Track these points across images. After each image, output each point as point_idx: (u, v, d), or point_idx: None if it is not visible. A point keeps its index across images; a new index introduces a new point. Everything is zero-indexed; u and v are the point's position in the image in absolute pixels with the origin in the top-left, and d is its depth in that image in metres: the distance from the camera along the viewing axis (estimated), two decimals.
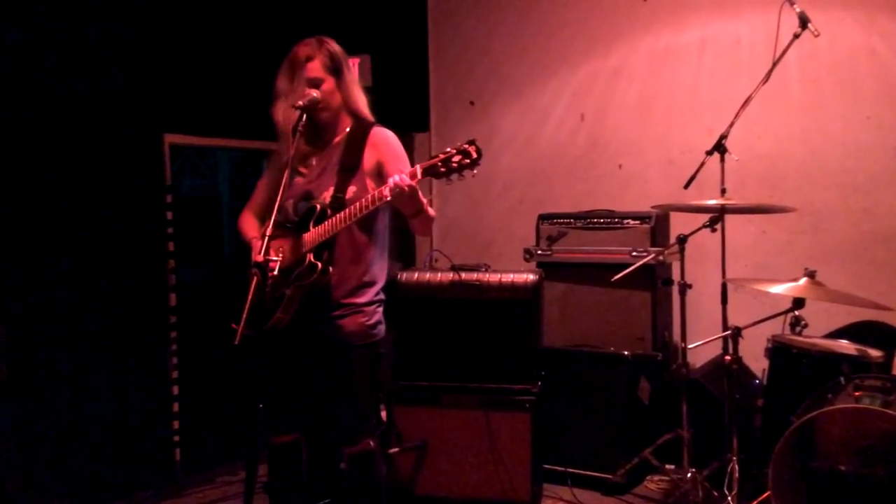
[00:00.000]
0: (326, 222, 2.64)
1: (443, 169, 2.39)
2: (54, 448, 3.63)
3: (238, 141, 4.39)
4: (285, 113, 2.71)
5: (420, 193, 2.51)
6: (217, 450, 4.25)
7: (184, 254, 4.23)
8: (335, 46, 2.78)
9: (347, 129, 2.81)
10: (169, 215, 4.11)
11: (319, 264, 2.64)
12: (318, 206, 2.69)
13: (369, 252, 2.78)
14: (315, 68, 2.72)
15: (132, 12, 3.91)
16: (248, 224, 2.93)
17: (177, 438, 4.11)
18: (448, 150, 2.40)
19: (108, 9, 3.82)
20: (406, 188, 2.45)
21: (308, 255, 2.65)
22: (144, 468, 3.94)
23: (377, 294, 2.82)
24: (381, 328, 2.83)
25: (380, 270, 2.84)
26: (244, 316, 2.46)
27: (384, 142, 2.78)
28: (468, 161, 2.37)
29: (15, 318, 3.52)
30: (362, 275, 2.77)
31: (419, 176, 2.43)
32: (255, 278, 2.54)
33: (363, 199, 2.56)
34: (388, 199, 2.49)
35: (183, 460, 4.12)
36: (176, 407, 4.12)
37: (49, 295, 3.67)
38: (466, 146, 2.38)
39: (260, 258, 2.54)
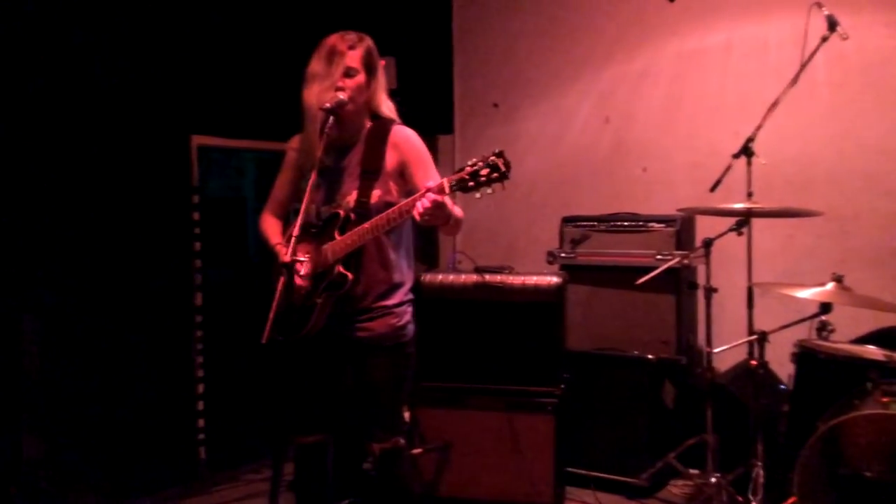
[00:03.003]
0: (353, 231, 2.63)
1: (471, 183, 2.35)
2: (81, 445, 3.68)
3: (264, 143, 4.42)
4: (320, 96, 2.67)
5: (449, 202, 2.46)
6: (242, 448, 4.28)
7: (210, 254, 4.27)
8: (374, 46, 2.78)
9: (367, 129, 2.80)
10: (195, 216, 4.15)
11: (350, 275, 2.65)
12: (343, 213, 2.68)
13: (396, 255, 2.78)
14: (355, 58, 2.71)
15: (161, 15, 3.95)
16: (270, 227, 2.92)
17: (202, 437, 4.14)
18: (475, 161, 2.36)
19: (138, 11, 3.87)
20: (431, 205, 2.40)
21: (337, 265, 2.66)
22: (170, 466, 3.98)
23: (406, 294, 2.83)
24: (411, 328, 2.84)
25: (407, 271, 2.84)
26: (271, 315, 2.48)
27: (405, 141, 2.77)
28: (496, 175, 2.33)
29: (44, 317, 3.57)
30: (390, 278, 2.77)
31: (447, 190, 2.39)
32: (283, 278, 2.56)
33: (391, 211, 2.54)
34: (417, 216, 2.46)
35: (208, 458, 4.16)
36: (201, 405, 4.16)
37: (77, 294, 3.72)
38: (494, 158, 2.34)
39: (287, 259, 2.56)
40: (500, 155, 2.34)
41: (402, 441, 2.84)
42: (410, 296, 2.86)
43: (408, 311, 2.83)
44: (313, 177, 2.64)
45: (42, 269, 3.60)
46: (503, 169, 2.33)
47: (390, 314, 2.76)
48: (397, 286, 2.79)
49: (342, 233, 2.66)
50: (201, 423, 4.15)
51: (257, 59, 4.30)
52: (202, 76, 4.12)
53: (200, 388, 4.16)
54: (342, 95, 2.67)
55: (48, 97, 3.62)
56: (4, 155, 3.50)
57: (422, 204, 2.40)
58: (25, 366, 3.43)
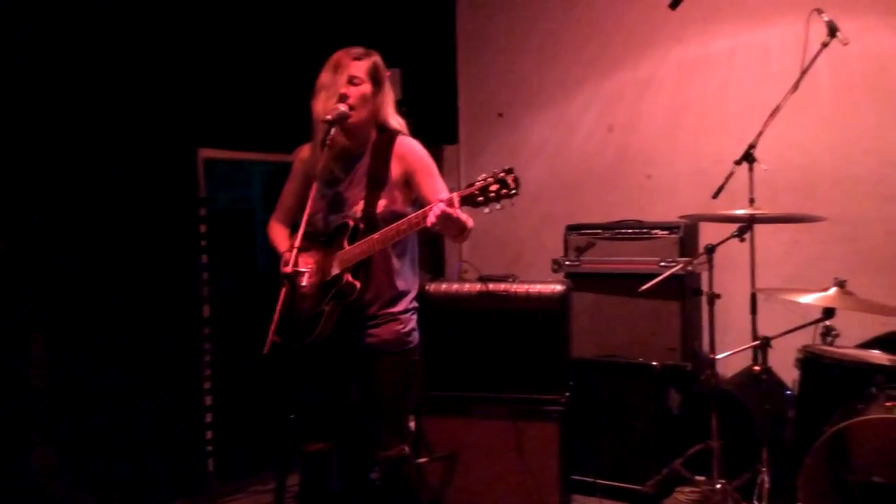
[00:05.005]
0: (362, 241, 2.66)
1: (480, 198, 2.38)
2: (89, 456, 3.70)
3: (271, 155, 4.45)
4: (325, 105, 2.73)
5: (461, 215, 2.47)
6: (250, 459, 4.29)
7: (217, 266, 4.29)
8: (381, 61, 2.84)
9: (372, 140, 2.85)
10: (203, 228, 4.18)
11: (358, 284, 2.68)
12: (351, 223, 2.72)
13: (401, 264, 2.83)
14: (359, 68, 2.77)
15: (167, 28, 3.99)
16: (279, 234, 2.98)
17: (210, 448, 4.16)
18: (485, 177, 2.38)
19: (144, 24, 3.91)
20: (441, 214, 2.42)
21: (345, 274, 2.69)
22: (178, 478, 3.99)
23: (411, 302, 2.87)
24: (416, 335, 2.88)
25: (412, 279, 2.89)
26: (272, 326, 2.52)
27: (410, 151, 2.81)
28: (506, 191, 2.36)
29: (52, 328, 3.61)
30: (396, 286, 2.81)
31: (457, 204, 2.42)
32: (285, 289, 2.59)
33: (400, 223, 2.58)
34: (429, 227, 2.48)
35: (216, 469, 4.17)
36: (209, 417, 4.18)
37: (84, 305, 3.75)
38: (504, 175, 2.36)
39: (289, 269, 2.59)
40: (509, 171, 2.36)
41: (406, 449, 2.86)
42: (415, 304, 2.89)
43: (412, 318, 2.87)
44: (314, 188, 2.67)
45: (49, 283, 3.63)
46: (513, 186, 2.36)
47: (395, 321, 2.80)
48: (403, 294, 2.84)
49: (351, 242, 2.69)
50: (209, 434, 4.16)
51: (263, 72, 4.34)
52: (208, 89, 4.15)
53: (208, 399, 4.18)
54: (342, 107, 2.71)
55: (53, 111, 3.66)
56: (11, 170, 3.54)
57: (433, 214, 2.43)
58: (34, 379, 3.46)
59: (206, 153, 4.23)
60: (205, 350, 4.18)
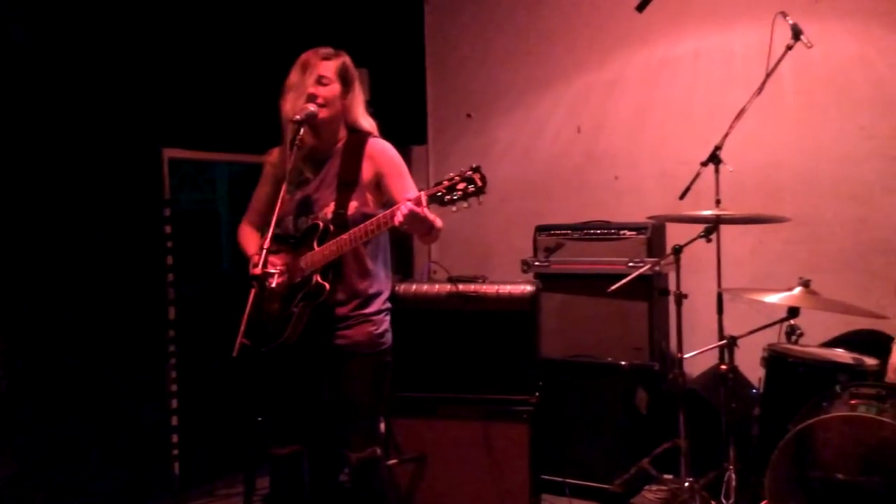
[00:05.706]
0: (331, 242, 2.65)
1: (448, 197, 2.38)
2: (53, 461, 3.64)
3: (237, 155, 4.41)
4: (293, 105, 2.72)
5: (428, 214, 2.47)
6: (216, 463, 4.25)
7: (182, 268, 4.24)
8: (350, 61, 2.83)
9: (343, 141, 2.83)
10: (168, 229, 4.13)
11: (327, 285, 2.66)
12: (321, 224, 2.70)
13: (374, 264, 2.81)
14: (328, 68, 2.76)
15: (131, 26, 3.94)
16: (249, 238, 2.95)
17: (176, 452, 4.11)
18: (452, 176, 2.39)
19: (108, 22, 3.85)
20: (409, 213, 2.41)
21: (315, 275, 2.67)
22: (143, 482, 3.94)
23: (384, 303, 2.86)
24: (389, 336, 2.87)
25: (385, 280, 2.87)
26: (241, 328, 2.49)
27: (381, 153, 2.80)
28: (473, 189, 2.36)
29: (14, 332, 3.54)
30: (368, 287, 2.80)
31: (424, 203, 2.42)
32: (254, 290, 2.57)
33: (369, 223, 2.57)
34: (397, 226, 2.48)
35: (182, 473, 4.12)
36: (175, 420, 4.13)
37: (47, 308, 3.68)
38: (471, 173, 2.36)
39: (258, 271, 2.57)
40: (476, 170, 2.37)
41: (378, 451, 2.85)
42: (388, 304, 2.88)
43: (385, 319, 2.86)
44: (283, 189, 2.65)
45: (10, 283, 3.56)
46: (480, 184, 2.36)
47: (368, 322, 2.79)
48: (375, 295, 2.82)
49: (320, 244, 2.68)
50: (175, 438, 4.11)
51: (230, 71, 4.29)
52: (174, 88, 4.10)
53: (174, 402, 4.13)
54: (312, 107, 2.70)
55: (19, 110, 3.59)
56: None
57: (401, 213, 2.43)
58: None
59: (172, 153, 4.18)
60: (170, 353, 4.13)
